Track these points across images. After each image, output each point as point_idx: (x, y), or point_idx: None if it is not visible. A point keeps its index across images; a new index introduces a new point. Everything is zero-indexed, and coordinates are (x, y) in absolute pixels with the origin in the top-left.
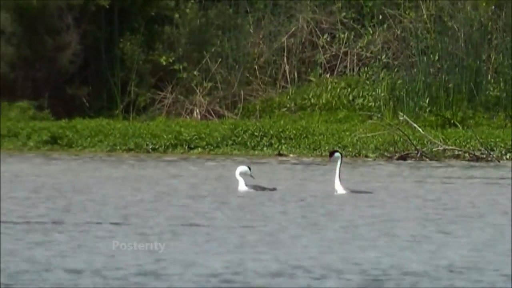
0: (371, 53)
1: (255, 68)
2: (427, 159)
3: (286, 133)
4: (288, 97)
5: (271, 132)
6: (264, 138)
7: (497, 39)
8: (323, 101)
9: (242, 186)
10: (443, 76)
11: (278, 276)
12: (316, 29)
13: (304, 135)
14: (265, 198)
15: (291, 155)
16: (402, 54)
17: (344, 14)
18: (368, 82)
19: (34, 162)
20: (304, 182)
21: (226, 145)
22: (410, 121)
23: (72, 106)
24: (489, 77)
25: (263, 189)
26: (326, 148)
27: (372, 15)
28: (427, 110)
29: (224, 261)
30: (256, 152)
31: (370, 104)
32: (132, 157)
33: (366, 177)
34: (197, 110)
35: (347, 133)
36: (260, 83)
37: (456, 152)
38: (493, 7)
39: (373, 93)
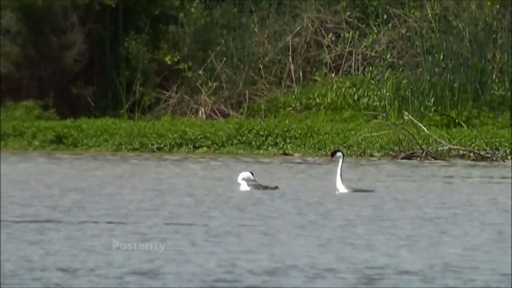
0: (376, 52)
1: (260, 68)
2: (432, 158)
3: (291, 132)
4: (293, 96)
5: (276, 131)
6: (269, 138)
7: (502, 38)
8: (328, 100)
9: (243, 188)
10: (448, 76)
11: (272, 275)
12: (321, 29)
13: (309, 134)
14: (265, 197)
15: (296, 155)
16: (407, 54)
17: (348, 13)
18: (373, 82)
19: (36, 161)
20: (306, 181)
21: (231, 145)
22: (415, 121)
23: (77, 106)
24: (494, 77)
25: (265, 188)
26: (331, 147)
27: (377, 15)
28: (432, 110)
29: (219, 260)
30: (261, 151)
31: (375, 103)
32: (136, 156)
33: (370, 176)
34: (202, 110)
35: (352, 133)
36: (265, 82)
37: (461, 152)
38: (498, 6)
39: (378, 92)
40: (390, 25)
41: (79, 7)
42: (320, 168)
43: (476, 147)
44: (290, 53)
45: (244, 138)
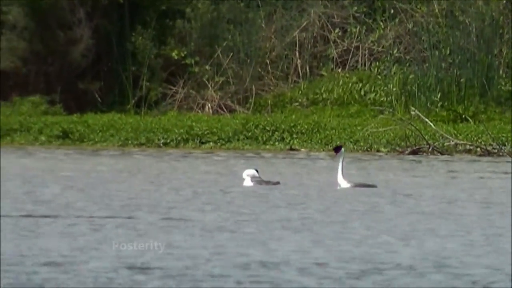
0: (382, 47)
1: (267, 63)
2: (439, 153)
3: (297, 127)
4: (300, 91)
5: (283, 126)
6: (276, 133)
7: (509, 33)
8: (335, 95)
9: (246, 183)
10: (455, 71)
11: (264, 269)
12: (328, 24)
13: (316, 129)
14: (266, 192)
15: (302, 150)
16: (414, 49)
17: (355, 8)
18: (379, 77)
19: (37, 156)
20: (309, 176)
21: (238, 140)
22: (422, 116)
23: (84, 101)
24: (501, 72)
25: (267, 183)
26: (338, 142)
27: (384, 10)
28: (439, 105)
29: (211, 254)
30: (268, 146)
31: (382, 98)
32: (140, 152)
33: (375, 171)
34: (209, 105)
35: (359, 128)
36: (272, 77)
37: (468, 147)
38: (504, 1)
39: (385, 87)
40: (397, 20)
41: (86, 2)
42: (323, 163)
43: (482, 142)
44: (297, 48)
45: (250, 133)
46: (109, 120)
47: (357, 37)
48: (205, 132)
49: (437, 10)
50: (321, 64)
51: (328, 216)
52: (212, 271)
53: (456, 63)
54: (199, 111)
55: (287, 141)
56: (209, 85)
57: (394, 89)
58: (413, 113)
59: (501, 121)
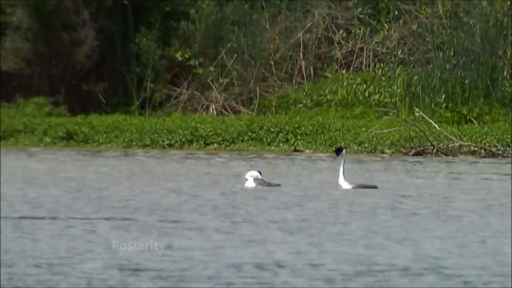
0: (387, 48)
1: (271, 64)
2: (443, 155)
3: (302, 129)
4: (304, 93)
5: (287, 128)
6: (280, 134)
7: None
8: (339, 97)
9: (249, 184)
10: (459, 72)
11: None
12: (332, 25)
13: (320, 131)
14: (266, 194)
15: (307, 151)
16: (418, 50)
17: (360, 9)
18: (384, 78)
19: (38, 157)
20: (310, 177)
21: (242, 141)
22: (426, 117)
23: (88, 102)
24: (505, 73)
25: (269, 184)
26: (342, 144)
27: (388, 11)
28: (443, 106)
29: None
30: (272, 148)
31: (386, 100)
32: (143, 153)
33: (378, 172)
34: (213, 106)
35: (363, 129)
36: (276, 79)
37: (472, 148)
38: (509, 3)
39: (389, 89)
40: (401, 21)
41: (90, 3)
42: (326, 165)
43: (487, 144)
44: (301, 50)
45: (254, 134)
46: (113, 121)
47: (361, 38)
48: (210, 133)
49: (441, 12)
50: (325, 65)
51: (326, 217)
52: (206, 272)
53: (461, 65)
54: (204, 112)
55: (292, 142)
56: (214, 87)
57: (399, 91)
58: (417, 114)
59: (505, 123)
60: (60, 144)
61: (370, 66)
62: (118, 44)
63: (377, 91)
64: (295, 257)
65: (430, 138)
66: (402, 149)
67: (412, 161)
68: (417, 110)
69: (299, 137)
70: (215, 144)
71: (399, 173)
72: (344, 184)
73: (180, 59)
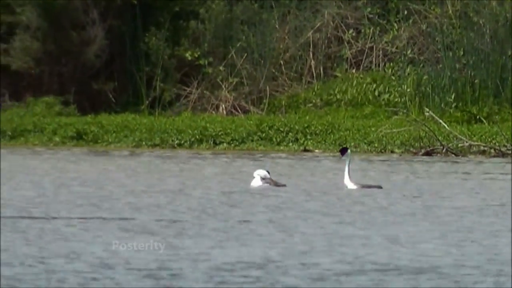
0: (396, 48)
1: (280, 63)
2: (453, 154)
3: (311, 128)
4: (314, 92)
5: (297, 127)
6: (290, 134)
7: None
8: (349, 96)
9: (255, 182)
10: (469, 72)
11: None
12: (342, 24)
13: (330, 130)
14: (270, 194)
15: (316, 151)
16: (428, 50)
17: (369, 9)
18: (393, 78)
19: (43, 157)
20: (319, 177)
21: (252, 141)
22: (436, 117)
23: (97, 102)
24: None
25: (276, 184)
26: (352, 143)
27: (398, 10)
28: (453, 106)
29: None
30: (282, 147)
31: (396, 99)
32: (149, 152)
33: (387, 172)
34: (223, 106)
35: (373, 129)
36: (286, 78)
37: (482, 148)
38: None
39: (399, 88)
40: (410, 21)
41: (99, 2)
42: (334, 164)
43: (496, 144)
44: (310, 49)
45: (264, 134)
46: (123, 120)
47: (371, 38)
48: (219, 133)
49: (451, 11)
50: (335, 64)
51: (327, 217)
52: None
53: (470, 64)
54: (213, 112)
55: (301, 142)
56: (223, 86)
57: (408, 90)
58: (427, 114)
59: None
60: (70, 143)
61: (380, 65)
62: (127, 44)
63: (387, 90)
64: (289, 256)
65: (440, 138)
66: (411, 149)
67: (419, 161)
68: (427, 109)
69: (308, 137)
70: (225, 144)
71: (406, 173)
72: (350, 184)
73: (189, 58)
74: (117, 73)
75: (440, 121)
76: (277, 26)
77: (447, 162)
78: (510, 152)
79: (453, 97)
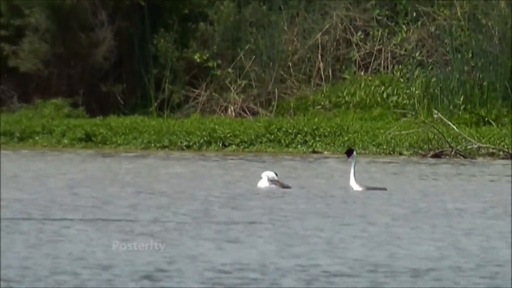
0: (405, 50)
1: (289, 66)
2: (461, 157)
3: (320, 130)
4: (323, 94)
5: (305, 129)
6: (298, 136)
7: None
8: (357, 98)
9: (262, 183)
10: (478, 74)
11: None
12: (350, 27)
13: (339, 132)
14: (276, 195)
15: (325, 153)
16: (436, 52)
17: (378, 11)
18: (402, 80)
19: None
20: (325, 179)
21: (260, 143)
22: (445, 119)
23: (106, 103)
24: None
25: (282, 185)
26: (360, 145)
27: (406, 13)
28: (462, 108)
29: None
30: (290, 149)
31: (404, 101)
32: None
33: (394, 174)
34: (232, 108)
35: (382, 131)
36: (295, 80)
37: (491, 150)
38: None
39: (408, 90)
40: (419, 23)
41: (108, 4)
42: (341, 166)
43: (505, 146)
44: (319, 51)
45: (273, 136)
46: (131, 122)
47: (380, 40)
48: (228, 135)
49: (459, 13)
50: (343, 67)
51: (328, 218)
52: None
53: (479, 66)
54: (222, 114)
55: (310, 144)
56: (232, 88)
57: (417, 92)
58: (435, 116)
59: None
60: (79, 145)
61: (388, 68)
62: (136, 45)
63: (395, 92)
64: (288, 257)
65: (449, 140)
66: (420, 151)
67: (427, 163)
68: (436, 111)
69: (317, 139)
70: (233, 146)
71: (412, 175)
72: (355, 186)
73: (198, 60)
74: (125, 75)
75: (449, 123)
76: (285, 28)
77: (454, 164)
78: None
79: (461, 99)
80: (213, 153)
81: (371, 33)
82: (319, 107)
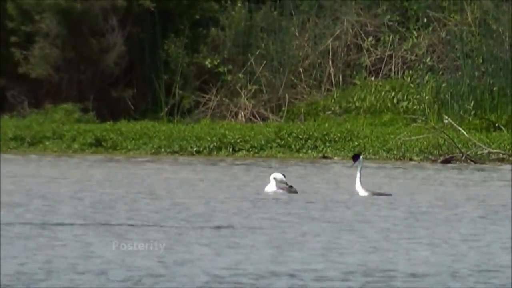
0: (415, 56)
1: (300, 71)
2: (472, 162)
3: (330, 136)
4: (333, 100)
5: (316, 135)
6: (309, 141)
7: None
8: (368, 104)
9: (269, 188)
10: (488, 79)
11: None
12: (361, 32)
13: (349, 138)
14: (282, 200)
15: (335, 158)
16: (447, 57)
17: (388, 17)
18: (412, 85)
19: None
20: (332, 184)
21: (271, 148)
22: (455, 124)
23: (116, 109)
24: None
25: (290, 189)
26: (371, 151)
27: (417, 18)
28: (472, 113)
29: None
30: (301, 154)
31: (414, 107)
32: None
33: (400, 179)
34: (242, 113)
35: (392, 136)
36: (305, 86)
37: (501, 156)
38: None
39: (418, 96)
40: (430, 28)
41: (118, 10)
42: (349, 171)
43: None
44: (330, 57)
45: (283, 141)
46: (142, 128)
47: (390, 45)
48: (238, 140)
49: (470, 19)
50: (354, 72)
51: (330, 223)
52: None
53: (489, 72)
54: (232, 119)
55: (320, 149)
56: (242, 93)
57: (427, 98)
58: (446, 121)
59: None
60: (89, 150)
61: (399, 73)
62: (146, 51)
63: (405, 98)
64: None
65: (459, 145)
66: (430, 156)
67: (436, 169)
68: (446, 117)
69: (327, 144)
70: (244, 151)
71: (420, 181)
72: (361, 191)
73: (209, 66)
74: (136, 80)
75: (459, 128)
76: (296, 33)
77: (464, 169)
78: None
79: (472, 104)
80: (223, 158)
81: (381, 38)
82: (330, 112)
